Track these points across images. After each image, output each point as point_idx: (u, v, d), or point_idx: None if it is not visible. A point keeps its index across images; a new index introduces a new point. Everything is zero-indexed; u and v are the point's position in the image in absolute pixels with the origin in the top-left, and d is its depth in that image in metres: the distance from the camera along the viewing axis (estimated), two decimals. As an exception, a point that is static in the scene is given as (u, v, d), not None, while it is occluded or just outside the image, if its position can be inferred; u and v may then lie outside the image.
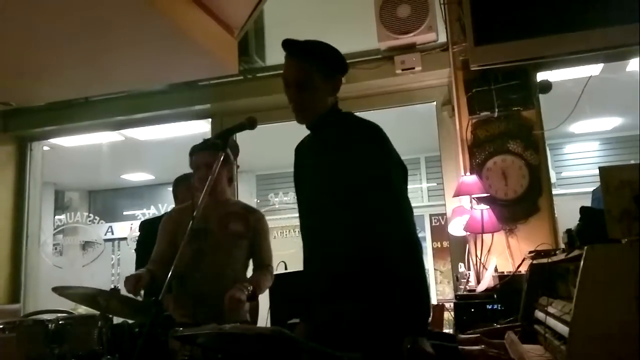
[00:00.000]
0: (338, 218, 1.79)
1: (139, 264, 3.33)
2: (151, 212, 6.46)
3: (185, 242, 1.83)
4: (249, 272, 2.63)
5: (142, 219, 5.97)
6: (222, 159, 1.97)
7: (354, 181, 1.76)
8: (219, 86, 4.45)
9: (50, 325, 2.19)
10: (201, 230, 2.51)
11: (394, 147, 1.86)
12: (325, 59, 1.82)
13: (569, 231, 1.68)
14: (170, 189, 3.51)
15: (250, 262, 2.63)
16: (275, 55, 4.42)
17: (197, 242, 2.48)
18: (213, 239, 2.50)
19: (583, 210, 1.62)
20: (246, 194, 6.64)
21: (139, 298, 2.38)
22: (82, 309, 2.48)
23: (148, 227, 3.48)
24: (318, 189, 1.88)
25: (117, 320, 2.43)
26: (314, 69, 1.79)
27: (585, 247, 1.42)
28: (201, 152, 2.50)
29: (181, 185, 3.40)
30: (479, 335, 2.16)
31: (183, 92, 4.53)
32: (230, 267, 2.50)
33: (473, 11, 3.64)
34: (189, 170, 2.79)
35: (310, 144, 1.96)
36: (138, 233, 3.64)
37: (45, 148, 5.37)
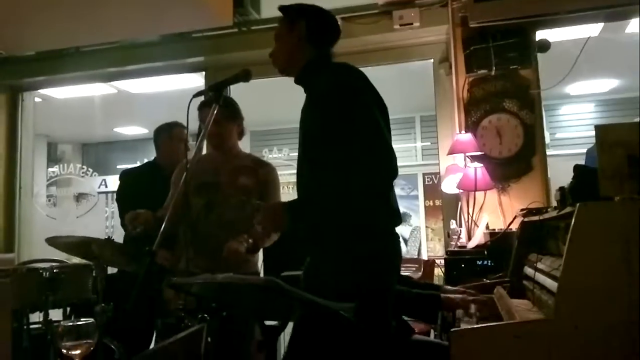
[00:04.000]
0: (301, 173, 1.91)
1: (123, 214, 3.32)
2: (145, 166, 6.40)
3: (178, 194, 1.83)
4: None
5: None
6: (215, 111, 1.97)
7: (312, 134, 1.85)
8: (213, 39, 4.36)
9: (44, 273, 2.21)
10: (211, 184, 2.53)
11: (365, 97, 1.83)
12: (287, 10, 2.02)
13: (561, 189, 1.69)
14: (164, 142, 3.48)
15: None
16: (270, 8, 4.31)
17: (207, 195, 2.51)
18: (222, 192, 2.51)
19: (576, 168, 1.62)
20: (240, 149, 6.61)
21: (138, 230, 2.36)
22: (77, 259, 2.49)
23: (128, 177, 3.45)
24: (299, 144, 1.95)
25: (111, 270, 2.46)
26: (281, 23, 2.02)
27: (577, 205, 1.43)
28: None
29: (162, 135, 3.36)
30: (464, 290, 2.20)
31: (176, 44, 4.44)
32: (239, 220, 2.50)
33: (474, -34, 3.57)
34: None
35: None
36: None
37: (37, 99, 5.29)
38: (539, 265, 1.86)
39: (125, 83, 5.30)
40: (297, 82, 2.02)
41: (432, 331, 2.19)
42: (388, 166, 1.75)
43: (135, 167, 3.66)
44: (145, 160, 3.83)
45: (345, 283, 1.72)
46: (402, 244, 7.82)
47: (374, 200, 1.78)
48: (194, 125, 2.75)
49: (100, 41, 4.43)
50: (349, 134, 1.74)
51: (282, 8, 2.04)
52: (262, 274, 2.86)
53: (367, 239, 1.79)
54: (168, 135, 3.30)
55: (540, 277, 1.79)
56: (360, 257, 1.77)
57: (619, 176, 1.46)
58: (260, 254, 2.91)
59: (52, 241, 2.23)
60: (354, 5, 4.02)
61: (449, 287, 2.24)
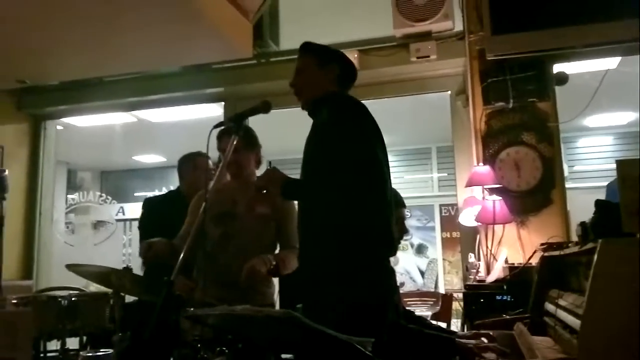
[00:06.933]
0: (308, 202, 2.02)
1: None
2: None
3: (198, 224, 1.84)
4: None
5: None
6: (235, 141, 1.99)
7: (319, 164, 1.95)
8: (232, 70, 4.44)
9: (63, 302, 2.22)
10: (228, 213, 2.54)
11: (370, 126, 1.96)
12: (318, 49, 2.14)
13: (583, 224, 1.67)
14: (182, 171, 3.50)
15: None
16: (289, 40, 4.39)
17: (224, 226, 2.51)
18: (240, 221, 2.52)
19: (598, 203, 1.60)
20: (258, 178, 6.65)
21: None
22: (94, 287, 2.50)
23: (152, 205, 3.47)
24: (302, 173, 2.05)
25: (128, 298, 2.46)
26: (309, 58, 2.12)
27: (600, 241, 1.41)
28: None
29: (186, 165, 3.39)
30: (477, 332, 2.18)
31: (196, 74, 4.53)
32: (257, 250, 2.49)
33: (491, 0, 3.61)
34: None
35: None
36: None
37: (59, 127, 5.39)
38: (561, 302, 1.82)
39: (146, 112, 5.38)
40: (309, 114, 2.13)
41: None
42: (382, 197, 1.87)
43: (158, 196, 3.68)
44: (164, 189, 3.86)
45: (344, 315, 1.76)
46: (419, 276, 7.67)
47: (367, 226, 1.87)
48: (212, 154, 2.78)
49: (123, 72, 4.53)
50: (348, 163, 1.85)
51: (310, 46, 2.14)
52: (277, 306, 2.84)
53: (363, 271, 1.87)
54: (192, 164, 3.33)
55: (562, 314, 1.75)
56: (359, 290, 1.84)
57: (642, 212, 1.43)
58: (276, 284, 2.90)
59: (73, 268, 2.24)
60: (371, 38, 4.09)
61: (463, 333, 2.21)
